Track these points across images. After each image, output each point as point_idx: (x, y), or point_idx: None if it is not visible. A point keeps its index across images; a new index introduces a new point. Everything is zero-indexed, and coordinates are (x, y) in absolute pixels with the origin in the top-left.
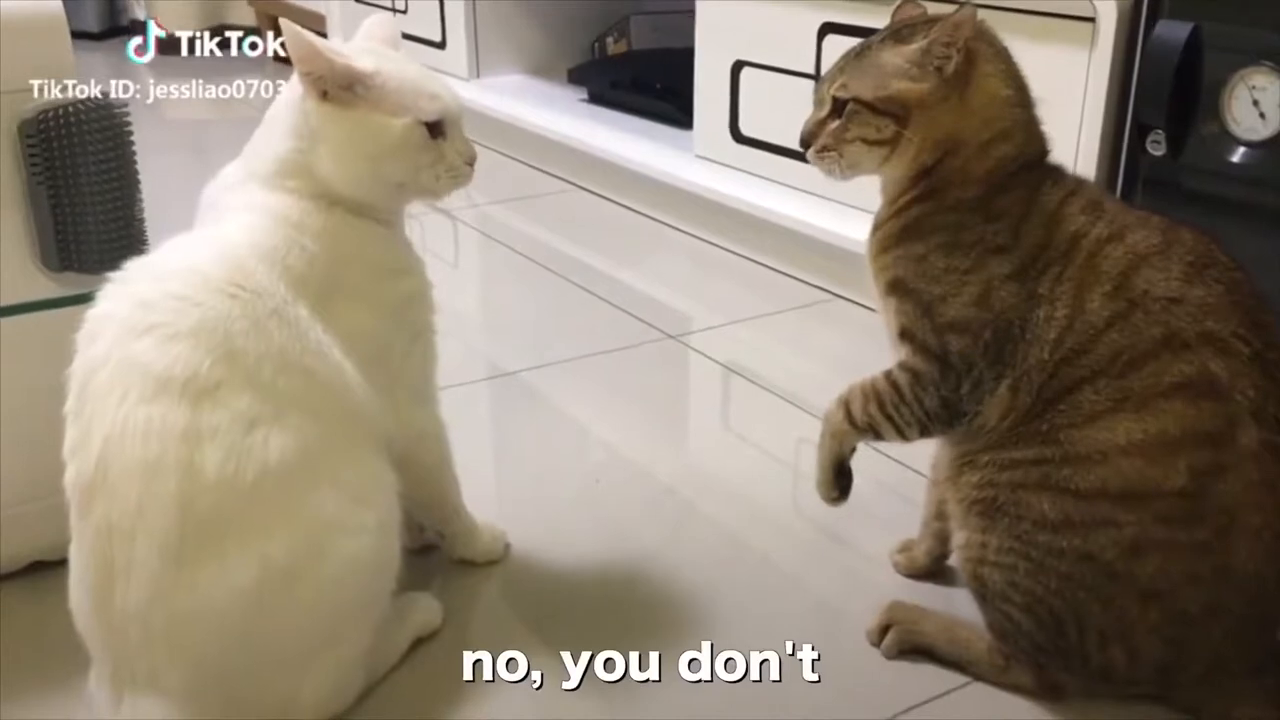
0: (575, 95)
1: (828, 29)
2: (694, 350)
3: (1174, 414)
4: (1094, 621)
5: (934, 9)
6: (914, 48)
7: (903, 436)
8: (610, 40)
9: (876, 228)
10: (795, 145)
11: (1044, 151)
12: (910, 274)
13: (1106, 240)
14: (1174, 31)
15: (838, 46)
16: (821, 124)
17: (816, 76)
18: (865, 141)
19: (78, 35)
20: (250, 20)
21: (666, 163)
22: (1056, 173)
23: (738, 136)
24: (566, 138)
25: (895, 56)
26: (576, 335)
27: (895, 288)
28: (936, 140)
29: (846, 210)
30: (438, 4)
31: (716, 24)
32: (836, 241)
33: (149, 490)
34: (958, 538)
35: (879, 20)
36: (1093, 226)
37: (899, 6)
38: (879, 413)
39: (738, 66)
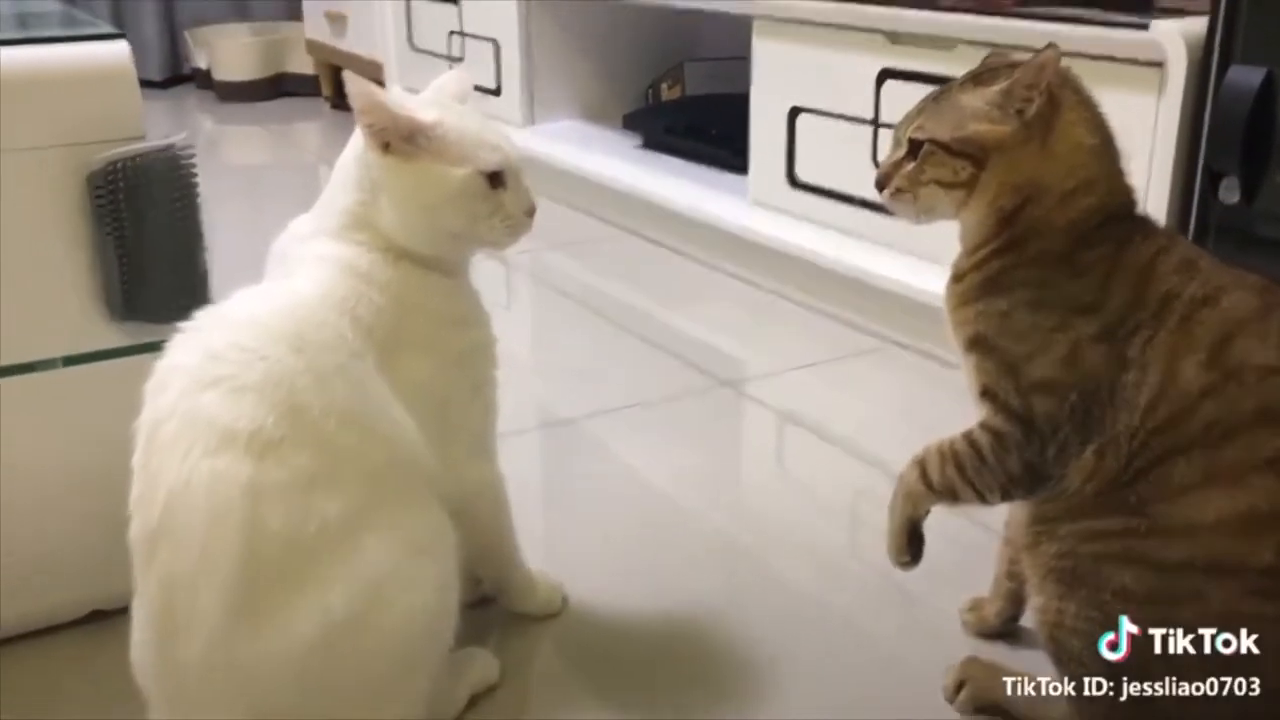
0: (630, 141)
1: (886, 75)
2: (750, 398)
3: (1265, 490)
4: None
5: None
6: (995, 89)
7: (983, 500)
8: (665, 86)
9: (956, 279)
10: (852, 190)
11: (1130, 204)
12: (993, 330)
13: (1201, 303)
14: (1247, 76)
15: (896, 92)
16: (897, 165)
17: (875, 122)
18: (940, 184)
19: (142, 84)
20: (309, 68)
21: (722, 208)
22: (1145, 226)
23: (794, 182)
24: (621, 183)
25: (975, 98)
26: (631, 382)
27: (976, 344)
28: (1015, 185)
29: (905, 257)
30: (493, 51)
31: (773, 69)
32: (895, 288)
33: (212, 543)
34: (1034, 602)
35: (938, 66)
36: (1186, 287)
37: (987, 57)
38: (958, 476)
39: (794, 112)
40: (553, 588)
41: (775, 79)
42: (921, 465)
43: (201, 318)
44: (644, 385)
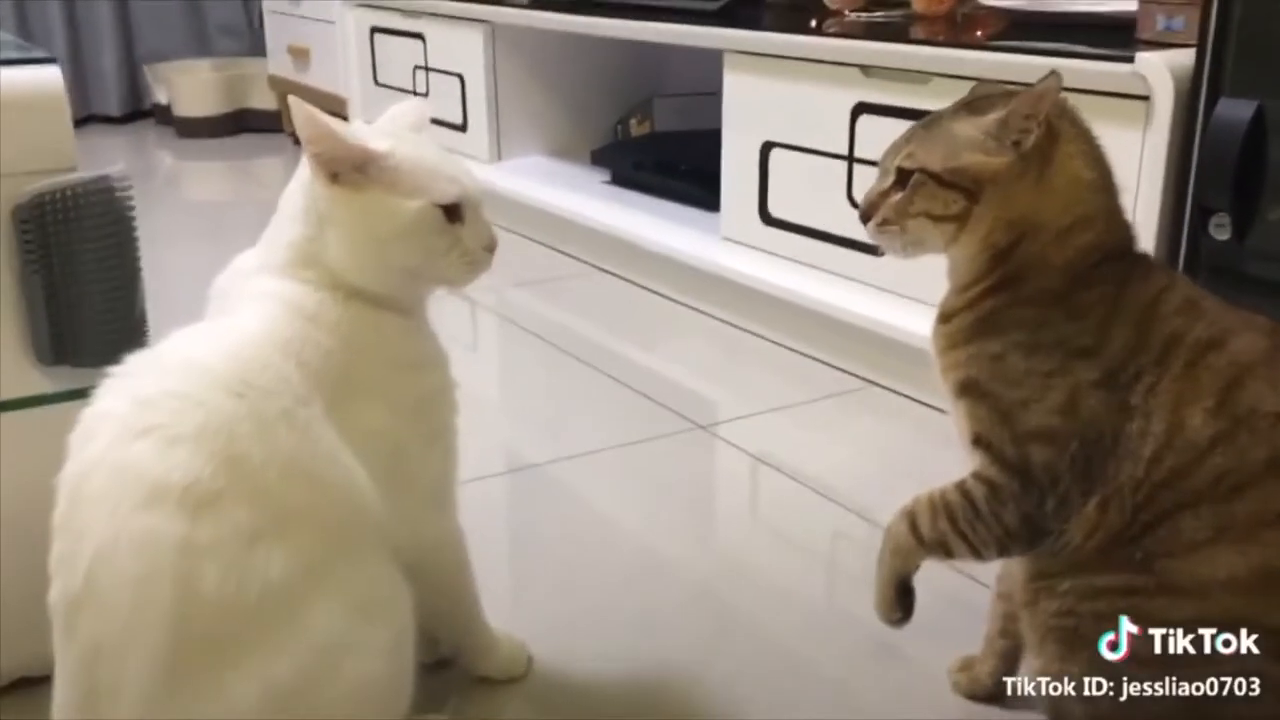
0: (598, 177)
1: (862, 109)
2: (723, 440)
3: (1278, 546)
4: None
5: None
6: (991, 119)
7: (977, 555)
8: (633, 122)
9: (945, 319)
10: (827, 227)
11: (1129, 242)
12: (985, 375)
13: (1207, 346)
14: (1237, 110)
15: (871, 127)
16: (884, 195)
17: (850, 158)
18: (930, 216)
19: (99, 119)
20: (272, 104)
21: (692, 245)
22: (1145, 265)
23: (766, 219)
24: (589, 220)
25: (969, 127)
26: (600, 425)
27: (968, 390)
28: (1010, 221)
29: (882, 294)
30: (458, 86)
31: (745, 103)
32: (872, 327)
33: (140, 608)
34: (1033, 665)
35: (914, 100)
36: (1190, 329)
37: (975, 87)
38: (950, 529)
39: (767, 147)
40: (516, 648)
41: (747, 113)
42: (911, 517)
43: (133, 361)
44: (614, 428)
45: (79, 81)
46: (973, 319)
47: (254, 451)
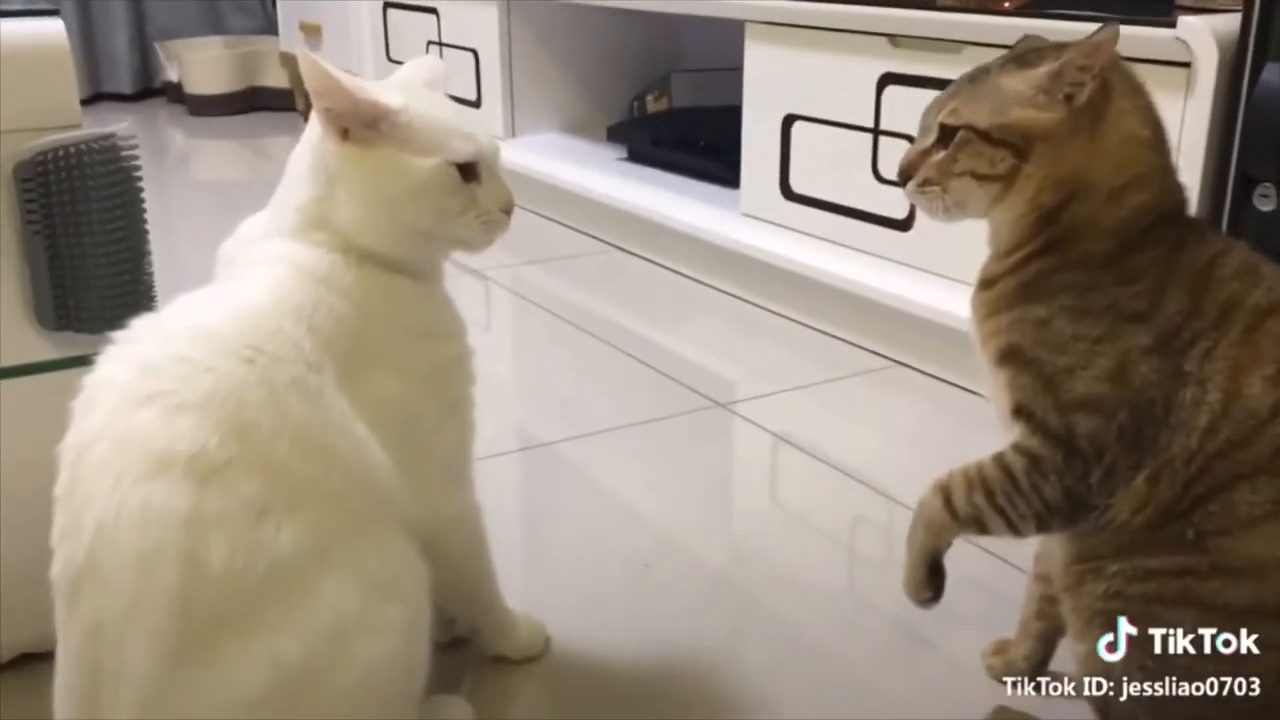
0: (614, 154)
1: (888, 80)
2: (743, 419)
3: None
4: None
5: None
6: (1042, 71)
7: (1015, 532)
8: (650, 98)
9: (986, 284)
10: (851, 202)
11: (1182, 204)
12: (1029, 341)
13: (1267, 311)
14: None
15: (899, 98)
16: (925, 154)
17: (876, 130)
18: (976, 176)
19: (110, 96)
20: (283, 82)
21: (711, 221)
22: (1199, 229)
23: (788, 194)
24: (606, 196)
25: (1018, 82)
26: (617, 403)
27: (1010, 357)
28: (1059, 180)
29: (908, 271)
30: (472, 61)
31: (766, 75)
32: (897, 304)
33: (145, 583)
34: (1077, 650)
35: (944, 70)
36: (1249, 294)
37: (1020, 40)
38: (986, 504)
39: (789, 120)
40: (534, 629)
41: (769, 86)
42: (945, 492)
43: (138, 326)
44: (630, 406)
45: (90, 59)
46: (1016, 284)
47: (264, 420)
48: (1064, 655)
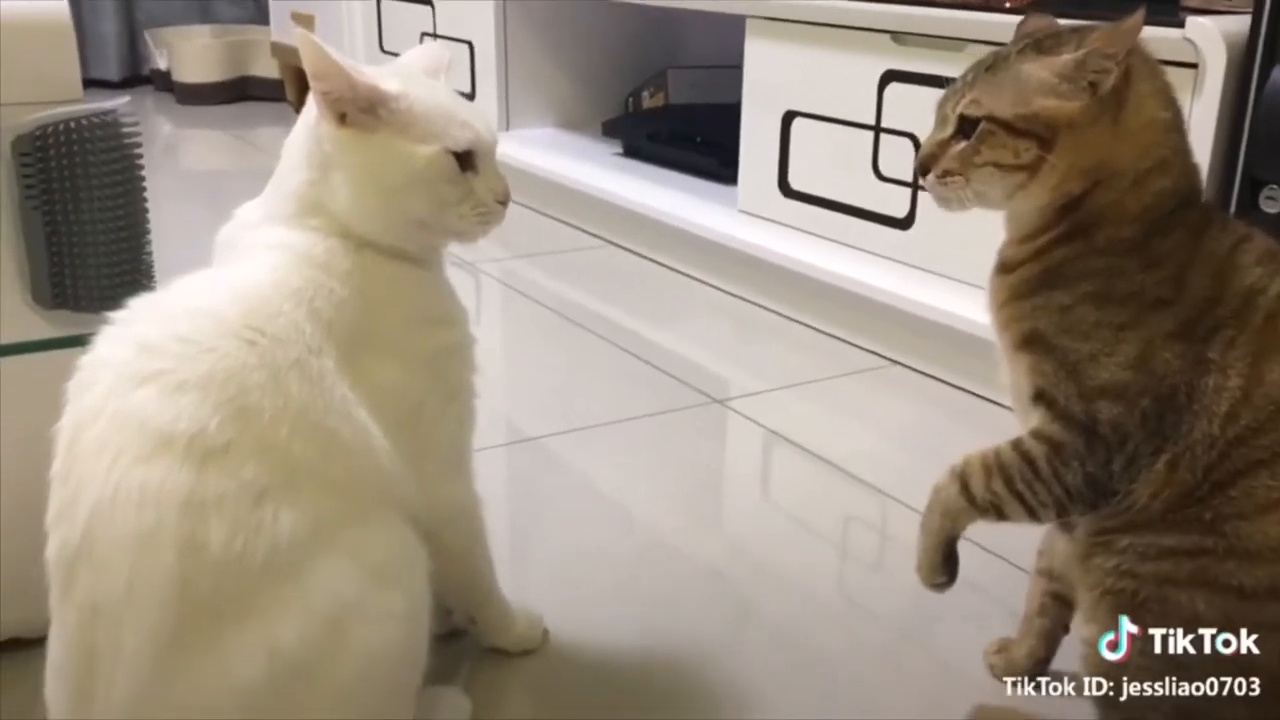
0: (609, 149)
1: (890, 77)
2: (738, 417)
3: None
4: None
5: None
6: (1065, 59)
7: (1034, 518)
8: (646, 94)
9: (1006, 269)
10: (850, 200)
11: (1200, 188)
12: (1052, 327)
13: None
14: None
15: (901, 95)
16: (944, 145)
17: (877, 128)
18: (999, 166)
19: (98, 83)
20: (274, 72)
21: (708, 218)
22: (1220, 215)
23: (787, 191)
24: (601, 192)
25: (1040, 69)
26: (611, 398)
27: (1032, 342)
28: (1084, 169)
29: (906, 270)
30: (467, 54)
31: (766, 71)
32: (895, 303)
33: (142, 567)
34: (1085, 632)
35: (947, 68)
36: (1271, 281)
37: (1024, 20)
38: (1006, 490)
39: (789, 116)
40: (532, 621)
41: (769, 82)
42: (962, 478)
43: (137, 306)
44: (625, 402)
45: (78, 45)
46: (1040, 269)
47: (265, 403)
48: (1065, 654)
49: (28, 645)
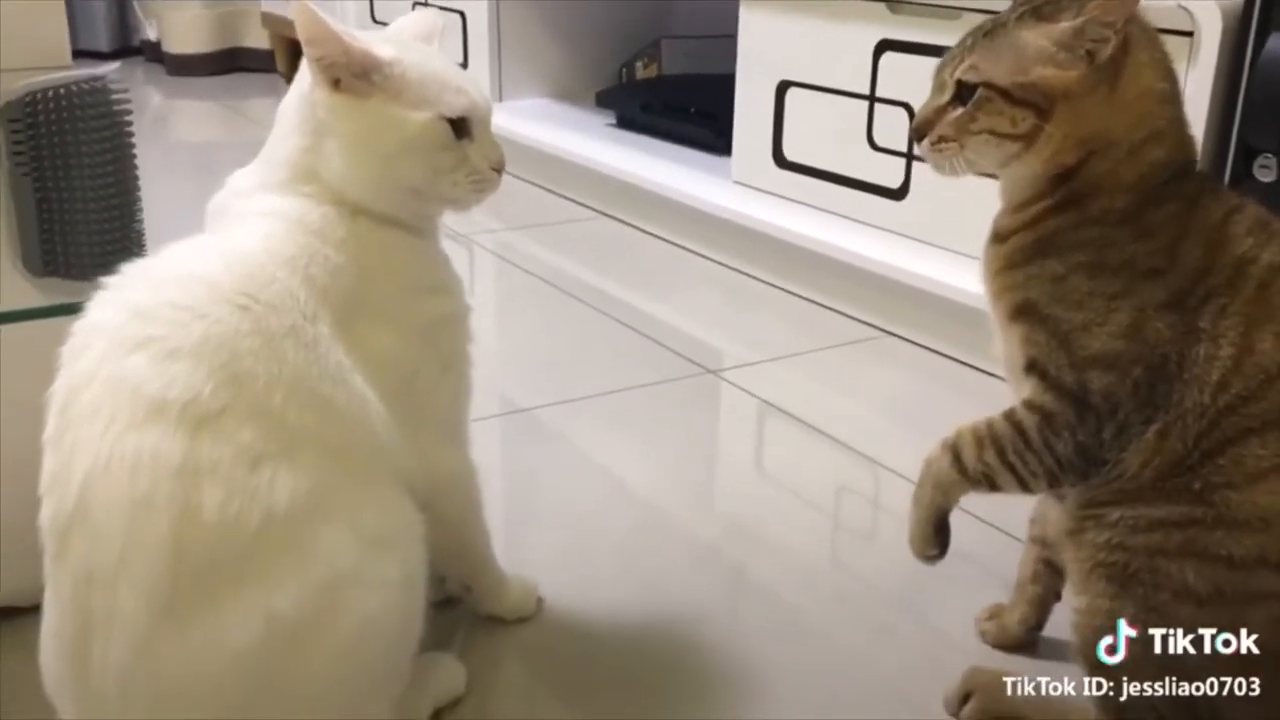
0: (603, 119)
1: (885, 46)
2: (731, 387)
3: None
4: (1239, 709)
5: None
6: (1064, 27)
7: (1025, 488)
8: (640, 65)
9: (1000, 237)
10: (845, 170)
11: (1194, 159)
12: (1045, 297)
13: (1279, 269)
14: None
15: (896, 65)
16: (939, 111)
17: (872, 97)
18: (995, 134)
19: (88, 54)
20: (265, 43)
21: (701, 188)
22: (1212, 185)
23: (781, 161)
24: (594, 162)
25: (1039, 36)
26: (605, 369)
27: (1025, 312)
28: (1080, 138)
29: (900, 240)
30: (460, 24)
31: (761, 40)
32: (888, 273)
33: (136, 532)
34: (1076, 602)
35: (943, 37)
36: (1262, 250)
37: None
38: (997, 460)
39: (783, 86)
40: (527, 589)
41: (763, 51)
42: (954, 449)
43: (129, 272)
44: (618, 372)
45: (67, 15)
46: (1033, 239)
47: (259, 368)
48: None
49: (23, 613)
